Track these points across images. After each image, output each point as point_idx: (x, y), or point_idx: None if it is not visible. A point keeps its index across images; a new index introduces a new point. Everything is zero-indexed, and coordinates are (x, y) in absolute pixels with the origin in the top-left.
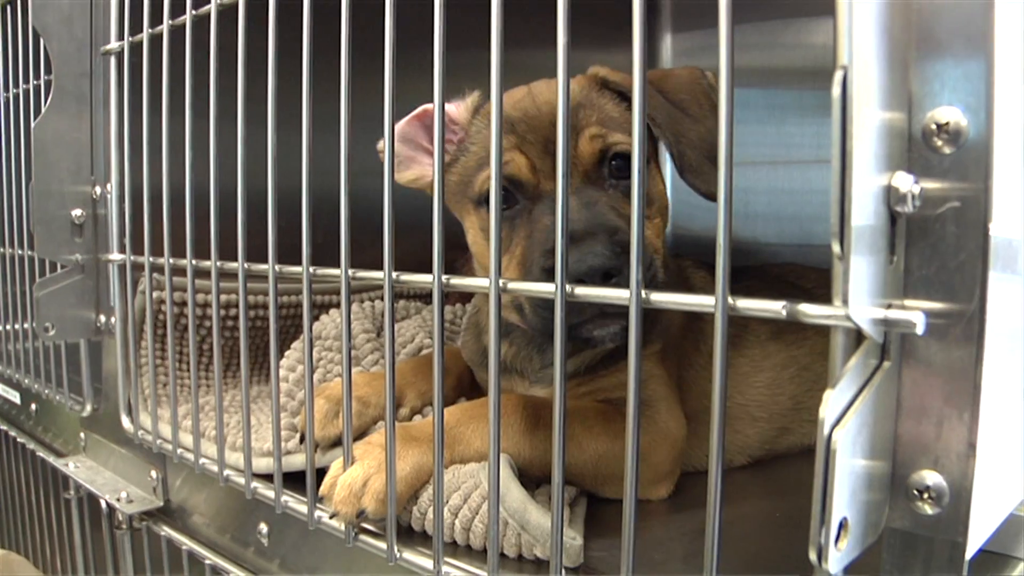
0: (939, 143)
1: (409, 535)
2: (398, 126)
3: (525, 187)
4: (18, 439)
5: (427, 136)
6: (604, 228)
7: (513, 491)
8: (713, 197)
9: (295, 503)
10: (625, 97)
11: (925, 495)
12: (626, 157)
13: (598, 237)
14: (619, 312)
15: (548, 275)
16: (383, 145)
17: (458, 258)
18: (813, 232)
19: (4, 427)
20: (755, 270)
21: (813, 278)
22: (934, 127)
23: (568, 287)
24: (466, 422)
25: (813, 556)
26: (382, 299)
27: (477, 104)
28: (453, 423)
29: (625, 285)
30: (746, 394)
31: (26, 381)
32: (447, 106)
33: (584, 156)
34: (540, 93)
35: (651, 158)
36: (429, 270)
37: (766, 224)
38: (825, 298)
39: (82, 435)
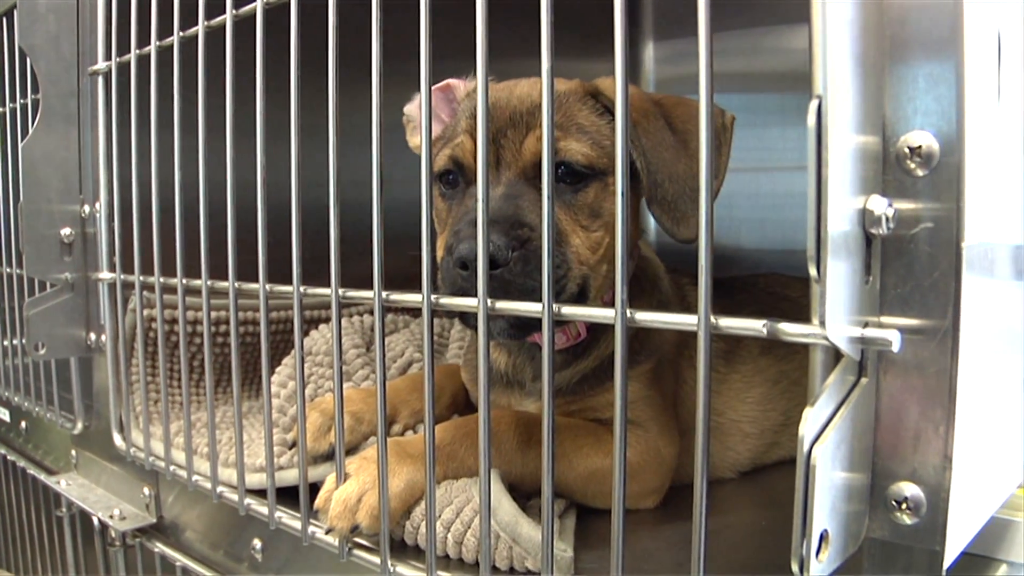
0: (912, 166)
1: (402, 549)
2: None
3: (465, 171)
4: (8, 457)
5: (446, 107)
6: (505, 219)
7: (504, 505)
8: (676, 236)
9: (288, 519)
10: (610, 111)
11: (903, 506)
12: (570, 165)
13: (495, 227)
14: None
15: (450, 254)
16: (408, 108)
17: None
18: (795, 238)
19: None
20: (743, 282)
21: (799, 288)
22: (907, 150)
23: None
24: (460, 439)
25: (795, 567)
26: (371, 313)
27: (471, 88)
28: (447, 440)
29: (509, 277)
30: (738, 410)
31: (16, 399)
32: (456, 81)
33: (526, 155)
34: (521, 87)
35: (610, 172)
36: (416, 284)
37: (749, 229)
38: (810, 310)
39: (73, 452)
